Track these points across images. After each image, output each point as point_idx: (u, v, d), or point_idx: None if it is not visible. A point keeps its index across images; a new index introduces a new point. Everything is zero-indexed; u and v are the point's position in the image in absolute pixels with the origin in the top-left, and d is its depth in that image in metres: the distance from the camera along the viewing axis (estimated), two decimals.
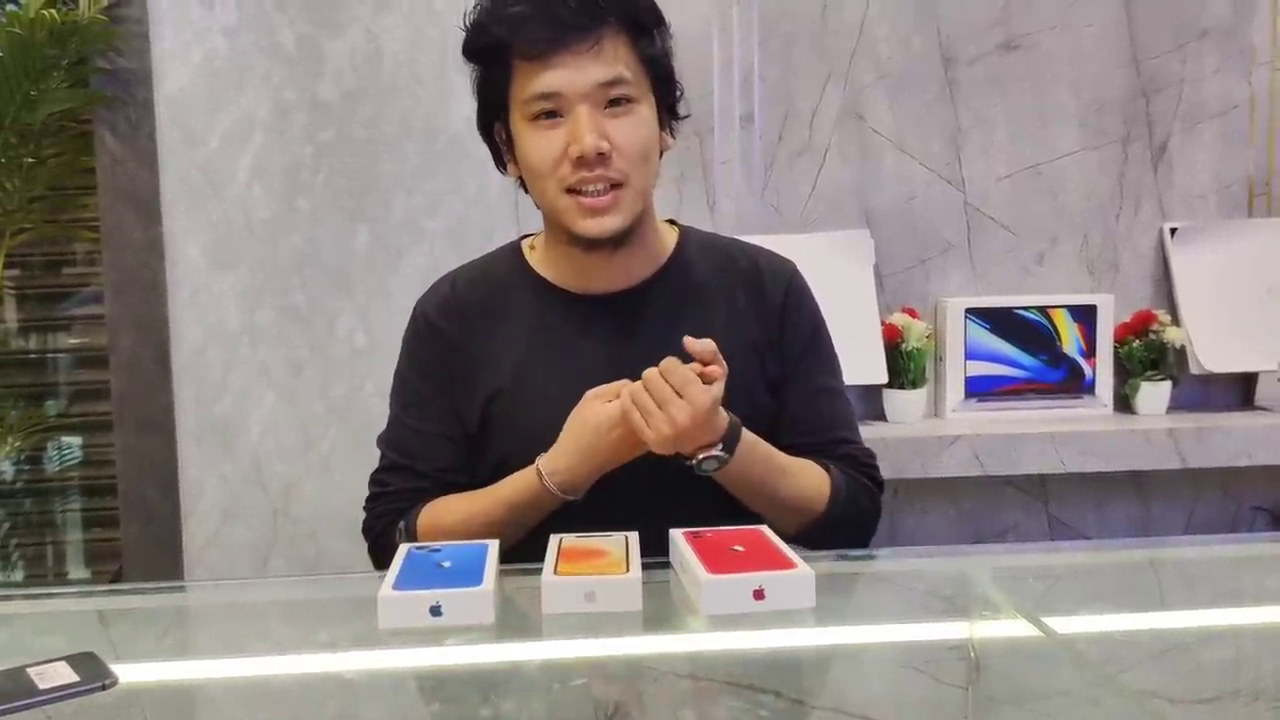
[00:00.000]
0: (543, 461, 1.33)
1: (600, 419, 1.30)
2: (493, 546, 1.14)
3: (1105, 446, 2.23)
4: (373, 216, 2.31)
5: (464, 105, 2.30)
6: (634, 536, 1.16)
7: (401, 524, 1.42)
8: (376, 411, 2.29)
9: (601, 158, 1.30)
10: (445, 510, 1.41)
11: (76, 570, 2.52)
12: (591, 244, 1.36)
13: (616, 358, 1.38)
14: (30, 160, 2.30)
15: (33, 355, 2.49)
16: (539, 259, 1.48)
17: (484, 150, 2.30)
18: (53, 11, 2.11)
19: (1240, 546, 1.56)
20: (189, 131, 2.27)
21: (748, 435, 1.33)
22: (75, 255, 2.46)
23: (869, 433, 2.17)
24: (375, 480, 1.50)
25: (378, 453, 1.52)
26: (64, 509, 2.49)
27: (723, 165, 2.36)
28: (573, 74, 1.30)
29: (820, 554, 1.24)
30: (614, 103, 1.32)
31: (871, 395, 2.37)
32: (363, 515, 1.51)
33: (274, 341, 2.31)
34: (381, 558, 1.44)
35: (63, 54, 2.18)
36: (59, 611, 1.22)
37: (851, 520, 1.44)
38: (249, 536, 2.33)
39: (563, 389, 1.35)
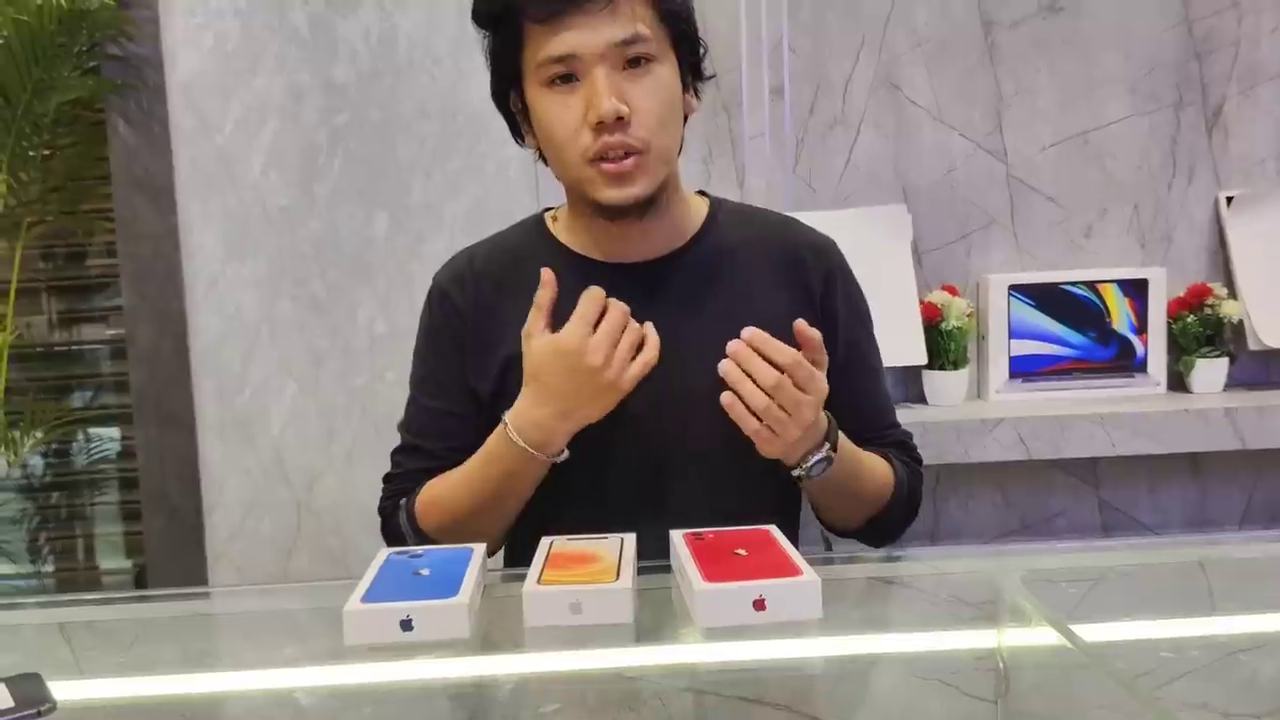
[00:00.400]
0: (509, 412, 1.27)
1: (546, 353, 1.23)
2: (478, 551, 1.06)
3: (1158, 427, 2.11)
4: (391, 201, 2.24)
5: (481, 83, 2.21)
6: (630, 539, 1.08)
7: (403, 503, 1.38)
8: (398, 401, 2.22)
9: (621, 122, 1.22)
10: (440, 485, 1.36)
11: (104, 564, 2.50)
12: (616, 212, 1.28)
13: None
14: (45, 151, 2.27)
15: (57, 348, 2.47)
16: (563, 229, 1.42)
17: (503, 127, 2.22)
18: None
19: None
20: (203, 118, 2.22)
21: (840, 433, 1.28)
22: (94, 246, 2.42)
23: (908, 416, 2.10)
24: (393, 460, 1.46)
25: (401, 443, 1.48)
26: (90, 502, 2.47)
27: (752, 140, 2.26)
28: (587, 34, 1.21)
29: (836, 557, 1.15)
30: (633, 63, 1.24)
31: (910, 377, 2.28)
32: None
33: (294, 331, 2.26)
34: (391, 542, 1.40)
35: (73, 41, 2.14)
36: (22, 624, 1.17)
37: (907, 506, 1.41)
38: (272, 530, 2.28)
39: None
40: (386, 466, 2.17)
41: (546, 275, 1.25)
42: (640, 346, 1.26)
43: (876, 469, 1.37)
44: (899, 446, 1.44)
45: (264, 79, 2.22)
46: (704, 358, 1.23)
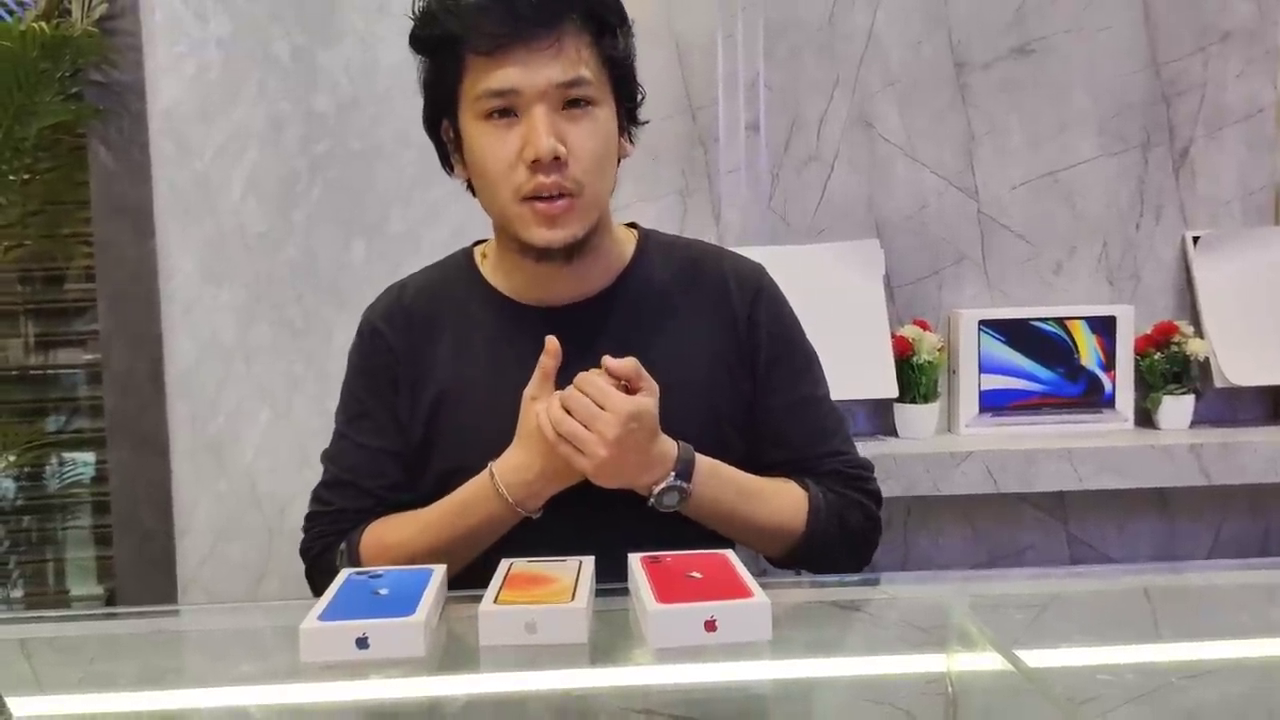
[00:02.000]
0: (496, 464, 1.26)
1: (534, 425, 1.23)
2: (438, 572, 1.08)
3: (1126, 463, 2.14)
4: (369, 228, 2.26)
5: None
6: (589, 561, 1.10)
7: (343, 546, 1.34)
8: None
9: (557, 162, 1.22)
10: (391, 528, 1.34)
11: (75, 588, 2.49)
12: (543, 254, 1.28)
13: (569, 371, 1.27)
14: (25, 175, 2.28)
15: (33, 371, 2.47)
16: (491, 268, 1.41)
17: None
18: (45, 24, 2.09)
19: (1258, 572, 1.47)
20: (183, 144, 2.24)
21: (705, 461, 1.27)
22: (72, 270, 2.43)
23: (879, 449, 2.12)
24: (316, 498, 1.41)
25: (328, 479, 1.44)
26: (62, 526, 2.47)
27: (728, 174, 2.29)
28: (529, 72, 1.22)
29: (790, 581, 1.16)
30: (572, 103, 1.24)
31: (882, 410, 2.30)
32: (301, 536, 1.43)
33: (269, 357, 2.27)
34: (320, 582, 1.33)
35: (56, 67, 2.16)
36: None
37: (840, 538, 1.35)
38: (243, 555, 2.28)
39: (511, 401, 1.27)
40: None
41: (551, 344, 1.24)
42: None
43: (778, 498, 1.33)
44: (835, 475, 1.38)
45: (245, 107, 2.24)
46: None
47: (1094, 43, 2.29)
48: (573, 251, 1.28)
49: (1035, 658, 0.98)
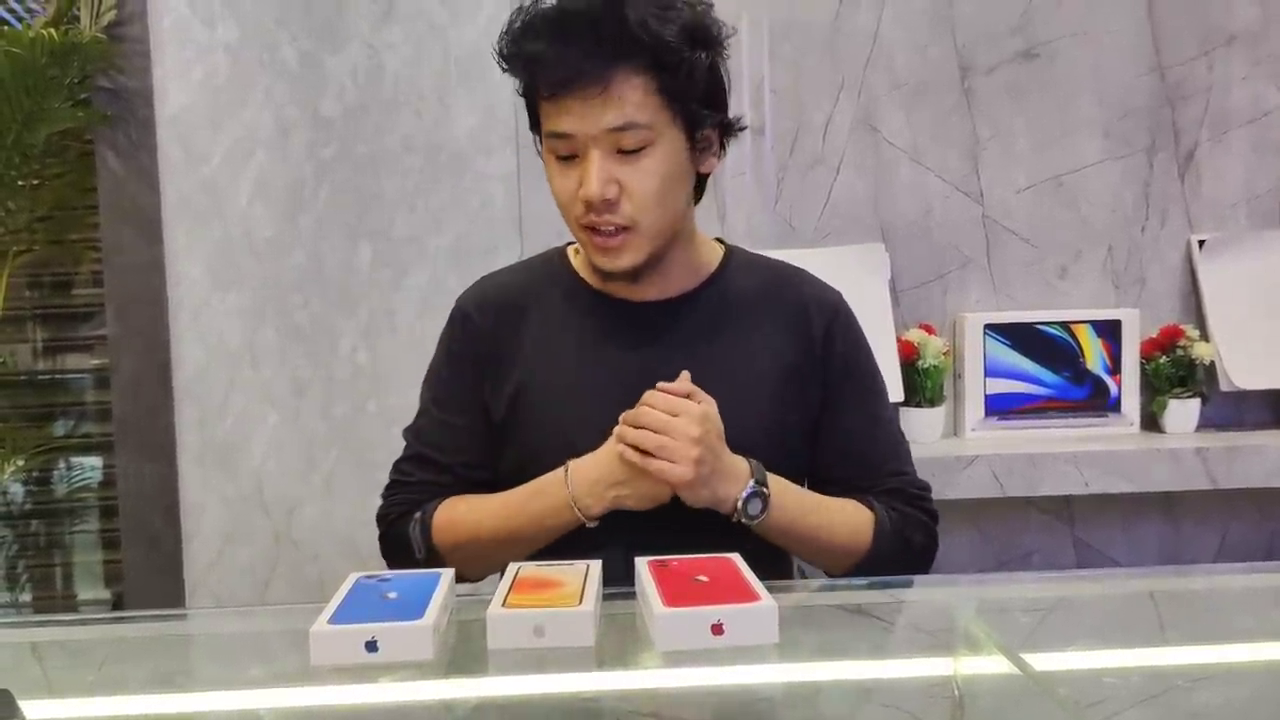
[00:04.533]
0: (573, 462, 1.31)
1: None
2: (446, 576, 1.08)
3: (1131, 467, 2.14)
4: (375, 234, 2.27)
5: (466, 120, 2.28)
6: (596, 565, 1.10)
7: (418, 514, 1.40)
8: (379, 432, 2.27)
9: (608, 203, 1.28)
10: (464, 507, 1.40)
11: (82, 593, 2.50)
12: (608, 275, 1.37)
13: (646, 365, 1.35)
14: (34, 181, 2.29)
15: (41, 376, 2.48)
16: (581, 262, 1.46)
17: (487, 165, 2.29)
18: (53, 31, 2.10)
19: (1265, 576, 1.46)
20: (190, 150, 2.25)
21: (772, 476, 1.32)
22: (80, 275, 2.44)
23: None
24: (397, 469, 1.48)
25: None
26: (70, 530, 2.47)
27: (734, 178, 2.30)
28: (582, 120, 1.27)
29: (797, 585, 1.17)
30: (625, 148, 1.28)
31: None
32: (378, 505, 1.49)
33: (276, 361, 2.28)
34: (392, 549, 1.43)
35: (64, 73, 2.16)
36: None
37: (901, 556, 1.40)
38: (250, 560, 2.29)
39: (590, 390, 1.36)
40: (366, 496, 2.17)
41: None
42: None
43: (842, 514, 1.38)
44: (897, 494, 1.43)
45: (252, 112, 2.25)
46: None
47: (1099, 46, 2.30)
48: (637, 275, 1.35)
49: (1041, 661, 0.99)
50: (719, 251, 1.49)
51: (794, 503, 1.33)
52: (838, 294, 1.50)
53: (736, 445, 1.30)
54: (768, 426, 1.38)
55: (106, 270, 2.26)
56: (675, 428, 1.22)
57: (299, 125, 2.25)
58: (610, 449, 1.29)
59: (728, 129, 1.39)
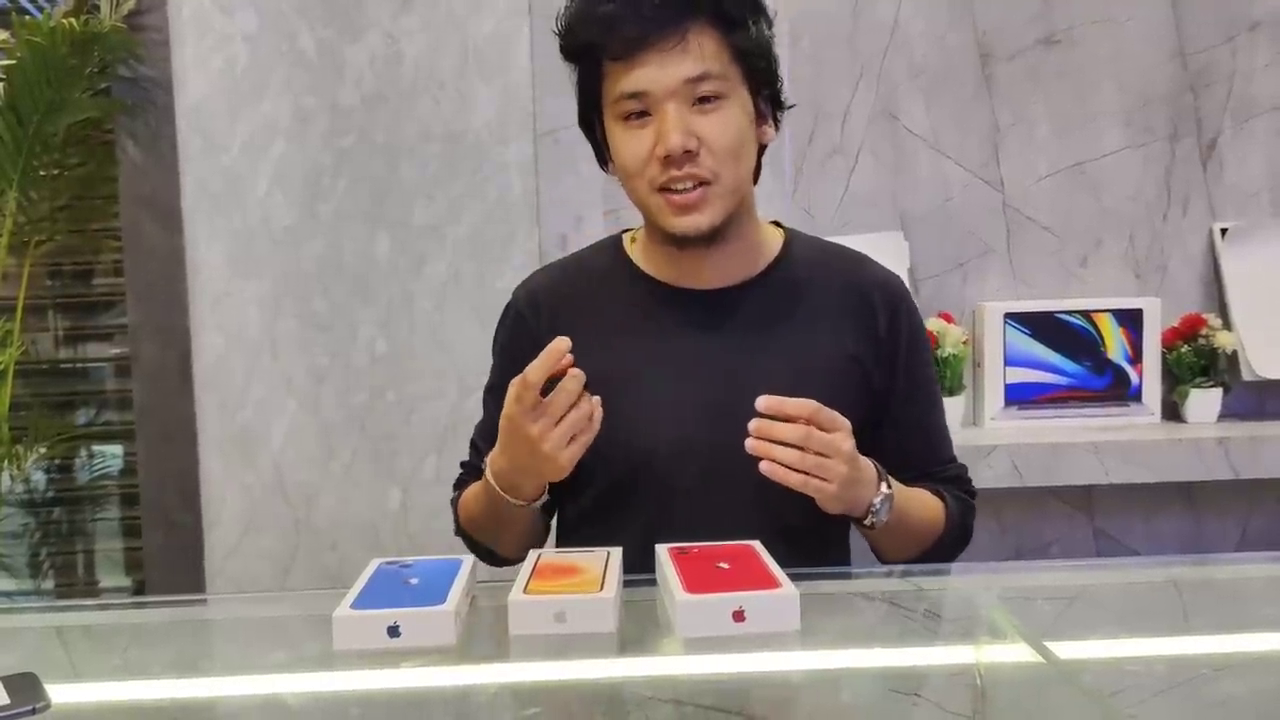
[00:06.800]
0: (490, 456, 1.30)
1: (505, 409, 1.23)
2: (467, 562, 1.08)
3: (1152, 457, 2.13)
4: (394, 222, 2.27)
5: (484, 109, 2.28)
6: (616, 552, 1.10)
7: (455, 494, 1.47)
8: (398, 419, 2.28)
9: (689, 155, 1.26)
10: (466, 493, 1.43)
11: (104, 580, 2.52)
12: (684, 241, 1.32)
13: (707, 352, 1.36)
14: (55, 170, 2.30)
15: (63, 365, 2.49)
16: (639, 251, 1.45)
17: (505, 154, 2.29)
18: (74, 20, 2.11)
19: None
20: (210, 139, 2.26)
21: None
22: (101, 264, 2.46)
23: None
24: (465, 458, 1.52)
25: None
26: (92, 518, 2.49)
27: None
28: (658, 71, 1.26)
29: (818, 573, 1.16)
30: (703, 99, 1.27)
31: None
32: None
33: (295, 349, 2.28)
34: (458, 530, 1.48)
35: (84, 63, 2.18)
36: (21, 628, 1.19)
37: (960, 543, 1.43)
38: (270, 547, 2.30)
39: (652, 379, 1.35)
40: (384, 483, 2.17)
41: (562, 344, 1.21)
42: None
43: (928, 506, 1.39)
44: (955, 481, 1.45)
45: (271, 102, 2.25)
46: (765, 387, 1.22)
47: (1121, 33, 2.28)
48: (713, 237, 1.32)
49: (1065, 650, 0.98)
50: (779, 236, 1.46)
51: (902, 497, 1.32)
52: (899, 280, 1.48)
53: None
54: None
55: (127, 259, 2.27)
56: (829, 445, 1.19)
57: (318, 114, 2.26)
58: (503, 432, 1.24)
59: (779, 104, 1.38)
